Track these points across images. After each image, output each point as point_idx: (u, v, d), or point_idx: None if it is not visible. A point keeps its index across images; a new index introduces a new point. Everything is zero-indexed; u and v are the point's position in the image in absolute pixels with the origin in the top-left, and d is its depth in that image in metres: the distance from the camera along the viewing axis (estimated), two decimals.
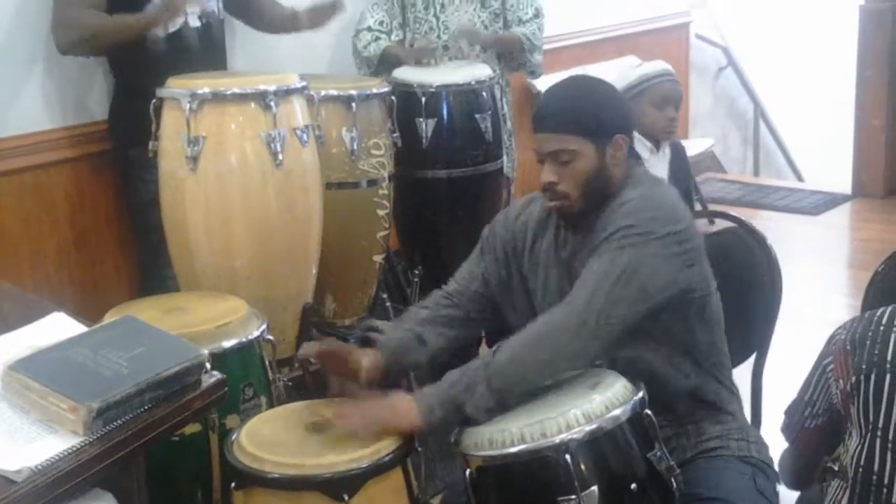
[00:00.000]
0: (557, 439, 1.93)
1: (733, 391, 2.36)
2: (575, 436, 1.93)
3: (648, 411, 2.02)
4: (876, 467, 1.91)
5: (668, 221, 2.16)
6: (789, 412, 2.19)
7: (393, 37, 4.01)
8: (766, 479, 2.24)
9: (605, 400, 2.00)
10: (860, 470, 1.94)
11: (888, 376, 1.89)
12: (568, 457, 1.91)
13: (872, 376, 1.90)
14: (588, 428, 1.95)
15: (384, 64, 3.97)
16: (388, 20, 4.02)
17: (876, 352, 1.91)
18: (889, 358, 1.90)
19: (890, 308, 1.99)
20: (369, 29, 4.01)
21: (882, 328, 1.94)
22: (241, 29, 3.75)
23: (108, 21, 3.18)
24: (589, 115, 2.23)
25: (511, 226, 2.42)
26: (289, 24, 3.68)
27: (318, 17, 3.65)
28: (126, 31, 3.20)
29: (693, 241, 2.20)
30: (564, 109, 2.24)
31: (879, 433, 1.91)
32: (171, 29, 3.26)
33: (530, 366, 2.10)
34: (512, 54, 4.06)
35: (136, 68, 3.30)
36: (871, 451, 1.92)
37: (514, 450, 1.95)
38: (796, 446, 2.21)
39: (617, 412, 1.98)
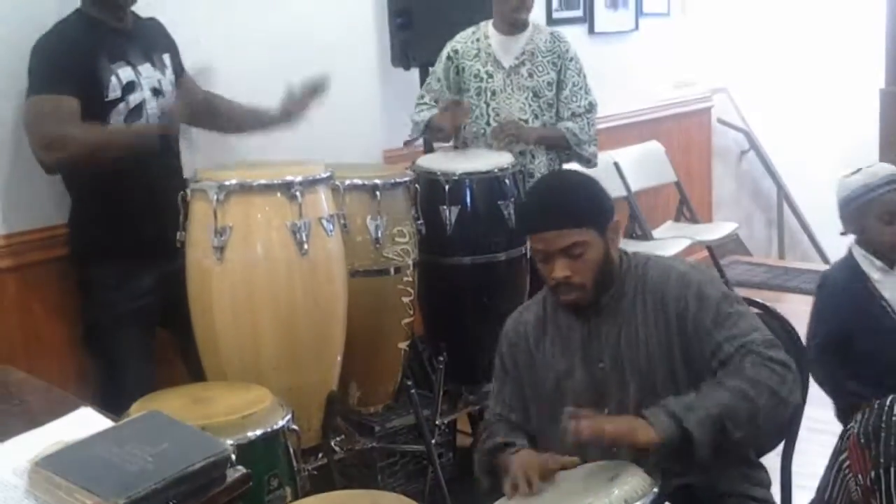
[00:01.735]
0: None
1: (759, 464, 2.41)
2: None
3: (655, 490, 2.03)
4: None
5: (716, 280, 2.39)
6: None
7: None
8: None
9: (625, 494, 1.99)
10: None
11: None
12: None
13: (892, 469, 1.88)
14: None
15: (428, 131, 4.05)
16: (438, 98, 4.09)
17: (892, 443, 1.88)
18: None
19: None
20: (425, 102, 4.10)
21: (894, 419, 1.91)
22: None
23: (105, 135, 3.10)
24: (589, 204, 2.34)
25: (511, 342, 2.53)
26: (253, 121, 3.52)
27: (295, 108, 3.48)
28: (127, 143, 3.11)
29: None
30: (565, 204, 2.33)
31: None
32: (132, 104, 3.16)
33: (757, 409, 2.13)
34: (561, 148, 4.09)
35: (98, 179, 3.14)
36: None
37: None
38: None
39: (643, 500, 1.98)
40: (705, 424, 2.08)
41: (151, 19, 3.38)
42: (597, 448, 2.20)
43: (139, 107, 3.17)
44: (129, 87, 3.15)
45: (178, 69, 3.40)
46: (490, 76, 4.04)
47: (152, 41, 3.31)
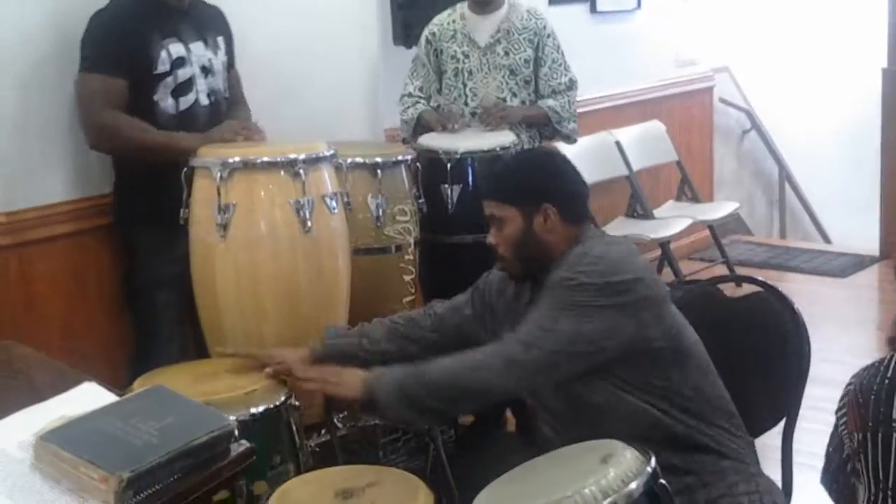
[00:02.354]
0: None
1: (737, 435, 2.38)
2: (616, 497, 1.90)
3: (663, 480, 1.99)
4: None
5: (607, 273, 2.24)
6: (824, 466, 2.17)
7: (432, 102, 4.07)
8: None
9: (621, 474, 1.97)
10: None
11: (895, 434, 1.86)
12: None
13: (880, 434, 1.87)
14: (627, 489, 1.91)
15: (419, 128, 4.03)
16: (426, 86, 4.08)
17: (882, 409, 1.88)
18: (894, 416, 1.87)
19: None
20: (410, 95, 4.08)
21: (887, 381, 1.90)
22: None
23: (153, 139, 3.18)
24: (512, 184, 2.42)
25: (484, 285, 2.62)
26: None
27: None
28: (170, 153, 3.16)
29: (638, 293, 2.25)
30: (493, 178, 2.52)
31: (890, 492, 1.88)
32: (183, 106, 3.28)
33: (463, 392, 2.27)
34: (542, 126, 4.09)
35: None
36: None
37: None
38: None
39: (633, 485, 1.94)
40: (391, 387, 2.27)
41: (213, 7, 3.45)
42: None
43: (188, 82, 3.27)
44: (178, 62, 3.24)
45: (231, 58, 3.47)
46: (466, 56, 4.03)
47: (208, 23, 3.39)
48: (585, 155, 5.57)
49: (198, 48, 3.30)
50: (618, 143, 5.87)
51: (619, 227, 5.54)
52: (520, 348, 2.22)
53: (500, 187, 2.43)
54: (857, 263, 6.44)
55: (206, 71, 3.32)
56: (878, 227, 6.53)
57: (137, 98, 3.19)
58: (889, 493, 1.88)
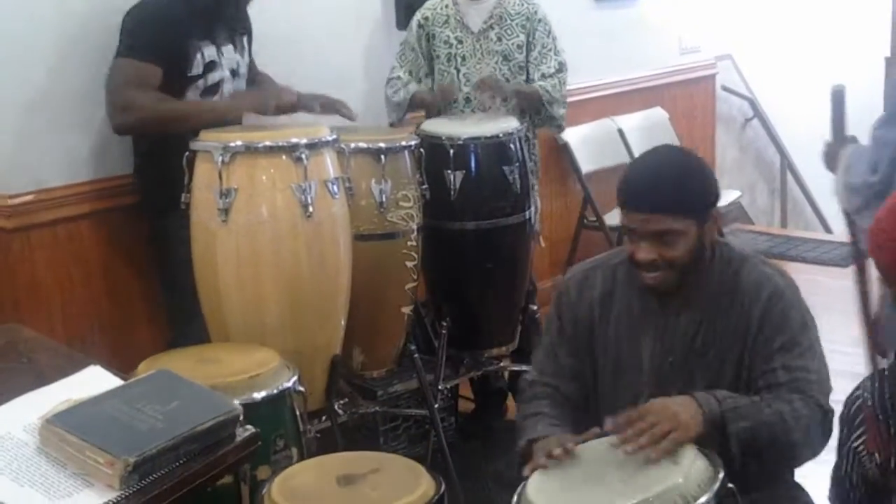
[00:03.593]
0: None
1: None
2: None
3: (732, 485, 1.98)
4: None
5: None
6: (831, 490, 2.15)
7: (411, 87, 4.06)
8: None
9: (698, 479, 1.95)
10: None
11: None
12: None
13: None
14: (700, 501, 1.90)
15: (413, 109, 4.03)
16: (415, 70, 4.08)
17: None
18: None
19: None
20: (399, 78, 4.06)
21: None
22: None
23: (180, 108, 3.21)
24: (699, 194, 2.25)
25: (574, 303, 2.43)
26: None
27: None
28: (199, 120, 3.18)
29: None
30: (671, 189, 2.22)
31: None
32: (209, 82, 3.31)
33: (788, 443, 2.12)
34: (534, 107, 4.07)
35: (165, 142, 3.27)
36: None
37: None
38: None
39: (714, 488, 1.93)
40: (741, 436, 2.07)
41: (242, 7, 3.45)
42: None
43: (216, 85, 3.31)
44: (210, 66, 3.29)
45: (250, 54, 3.51)
46: (459, 42, 4.02)
47: (238, 24, 3.42)
48: (587, 142, 5.58)
49: (228, 51, 3.35)
50: (620, 131, 5.85)
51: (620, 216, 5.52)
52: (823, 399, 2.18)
53: (680, 199, 2.22)
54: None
55: (234, 74, 3.38)
56: None
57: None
58: None
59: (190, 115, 3.21)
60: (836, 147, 3.30)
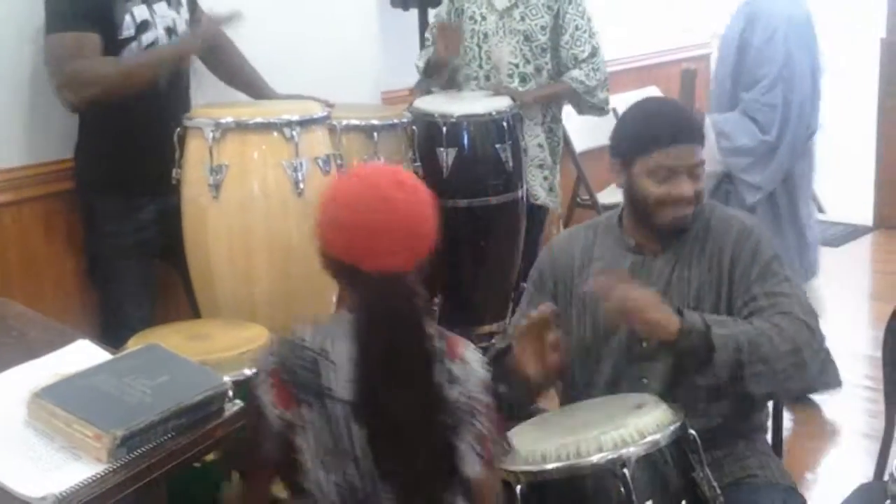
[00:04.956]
0: (617, 454, 1.95)
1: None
2: (633, 449, 1.96)
3: (692, 432, 2.04)
4: None
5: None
6: None
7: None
8: (796, 498, 2.30)
9: (655, 419, 2.03)
10: None
11: None
12: (626, 470, 1.93)
13: None
14: (650, 438, 1.98)
15: (430, 70, 4.01)
16: None
17: None
18: None
19: None
20: (427, 48, 4.06)
21: None
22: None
23: (126, 65, 3.07)
24: (700, 126, 2.36)
25: (556, 258, 2.47)
26: (247, 88, 3.52)
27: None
28: (147, 70, 3.08)
29: None
30: (686, 121, 2.32)
31: None
32: (144, 43, 3.14)
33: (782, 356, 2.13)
34: (571, 102, 4.06)
35: (106, 113, 3.10)
36: None
37: (568, 463, 1.97)
38: None
39: (670, 429, 2.01)
40: (728, 343, 2.09)
41: None
42: (614, 316, 2.19)
43: (152, 46, 3.15)
44: (142, 26, 3.13)
45: (193, 4, 3.37)
46: (483, 18, 3.98)
47: None
48: (581, 121, 5.54)
49: (161, 8, 3.19)
50: (614, 110, 5.82)
51: (614, 195, 5.52)
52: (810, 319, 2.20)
53: (699, 129, 2.34)
54: (851, 233, 6.45)
55: (170, 32, 3.21)
56: (873, 196, 6.54)
57: None
58: None
59: (136, 71, 3.06)
60: None
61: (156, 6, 3.17)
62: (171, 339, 2.59)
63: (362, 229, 1.86)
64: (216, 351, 2.58)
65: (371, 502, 1.78)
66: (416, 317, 1.84)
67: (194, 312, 3.26)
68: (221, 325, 2.88)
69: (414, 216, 1.91)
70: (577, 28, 3.96)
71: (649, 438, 1.99)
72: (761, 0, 3.90)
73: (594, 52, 3.99)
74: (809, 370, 2.19)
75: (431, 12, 4.26)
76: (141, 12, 3.12)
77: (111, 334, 2.89)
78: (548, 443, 2.03)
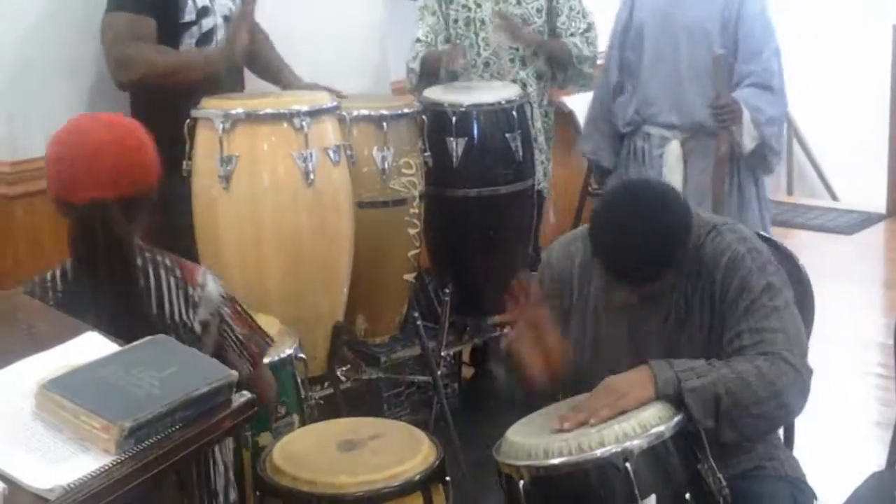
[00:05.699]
0: (620, 447, 1.95)
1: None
2: (636, 442, 1.95)
3: (698, 428, 2.04)
4: None
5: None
6: None
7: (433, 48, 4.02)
8: (804, 495, 2.28)
9: (658, 411, 2.03)
10: None
11: None
12: (628, 465, 1.93)
13: None
14: (653, 430, 1.98)
15: (426, 74, 3.99)
16: (434, 35, 4.03)
17: None
18: None
19: None
20: (417, 40, 4.04)
21: None
22: None
23: (182, 58, 3.19)
24: (679, 246, 2.21)
25: (556, 275, 2.43)
26: (275, 78, 3.57)
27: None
28: (200, 66, 3.18)
29: None
30: (658, 259, 2.19)
31: None
32: (204, 29, 3.25)
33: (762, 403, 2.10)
34: (562, 64, 4.05)
35: (163, 97, 3.17)
36: None
37: (571, 458, 1.97)
38: None
39: (674, 420, 2.01)
40: (701, 395, 2.05)
41: None
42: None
43: (211, 31, 3.25)
44: (203, 12, 3.23)
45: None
46: (478, 5, 3.99)
47: None
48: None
49: None
50: None
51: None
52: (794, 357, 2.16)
53: (666, 262, 2.20)
54: (864, 221, 6.44)
55: (226, 20, 3.30)
56: (886, 184, 6.52)
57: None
58: None
59: (184, 64, 3.18)
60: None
61: None
62: None
63: (60, 161, 2.03)
64: None
65: None
66: (118, 244, 2.02)
67: None
68: None
69: (105, 148, 2.01)
70: (571, 8, 4.04)
71: (653, 431, 1.98)
72: None
73: (589, 27, 4.05)
74: (793, 411, 2.19)
75: (408, 4, 4.23)
76: None
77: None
78: (550, 437, 2.03)
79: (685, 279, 2.27)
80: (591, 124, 4.13)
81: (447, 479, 2.26)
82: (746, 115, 3.68)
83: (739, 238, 2.28)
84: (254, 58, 3.51)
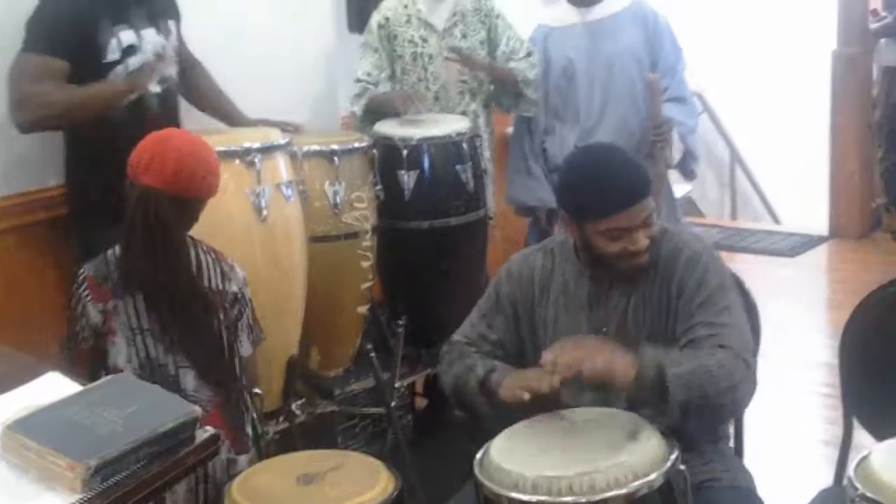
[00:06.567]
0: (606, 496, 1.95)
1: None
2: (623, 490, 1.95)
3: (682, 467, 2.06)
4: None
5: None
6: None
7: (380, 88, 4.02)
8: (756, 502, 2.35)
9: (651, 456, 2.03)
10: None
11: None
12: None
13: None
14: (636, 483, 1.97)
15: (371, 115, 3.99)
16: (377, 72, 4.03)
17: None
18: None
19: None
20: (358, 80, 4.05)
21: None
22: None
23: (76, 95, 3.06)
24: (646, 173, 2.37)
25: (516, 280, 2.50)
26: (221, 117, 3.56)
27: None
28: (97, 103, 3.08)
29: None
30: (635, 179, 2.32)
31: None
32: (131, 67, 3.15)
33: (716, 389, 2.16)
34: (508, 87, 4.11)
35: (95, 135, 3.11)
36: None
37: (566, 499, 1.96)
38: None
39: (664, 468, 2.01)
40: (681, 383, 2.12)
41: None
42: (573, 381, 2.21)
43: (139, 70, 3.14)
44: (129, 50, 3.13)
45: (180, 40, 3.38)
46: (424, 41, 4.03)
47: (159, 6, 3.29)
48: None
49: (150, 35, 3.20)
50: None
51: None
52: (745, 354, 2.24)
53: (645, 181, 2.34)
54: (807, 243, 6.56)
55: (160, 58, 3.21)
56: (827, 207, 6.65)
57: None
58: None
59: (78, 100, 3.05)
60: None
61: (143, 32, 3.18)
62: None
63: (141, 148, 2.53)
64: None
65: (165, 372, 2.49)
66: (164, 228, 2.48)
67: None
68: None
69: (177, 150, 2.50)
70: (509, 38, 4.10)
71: (644, 481, 1.98)
72: (640, 3, 4.14)
73: (530, 53, 4.10)
74: (743, 405, 2.28)
75: (359, 39, 4.26)
76: (128, 37, 3.13)
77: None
78: (541, 465, 2.02)
79: (642, 279, 2.36)
80: (521, 175, 4.19)
81: None
82: (674, 131, 3.89)
83: (694, 238, 2.43)
84: (189, 89, 3.49)
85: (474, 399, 2.39)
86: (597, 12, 4.07)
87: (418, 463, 3.59)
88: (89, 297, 2.51)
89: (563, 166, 2.63)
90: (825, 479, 2.69)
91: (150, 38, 3.21)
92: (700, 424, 2.25)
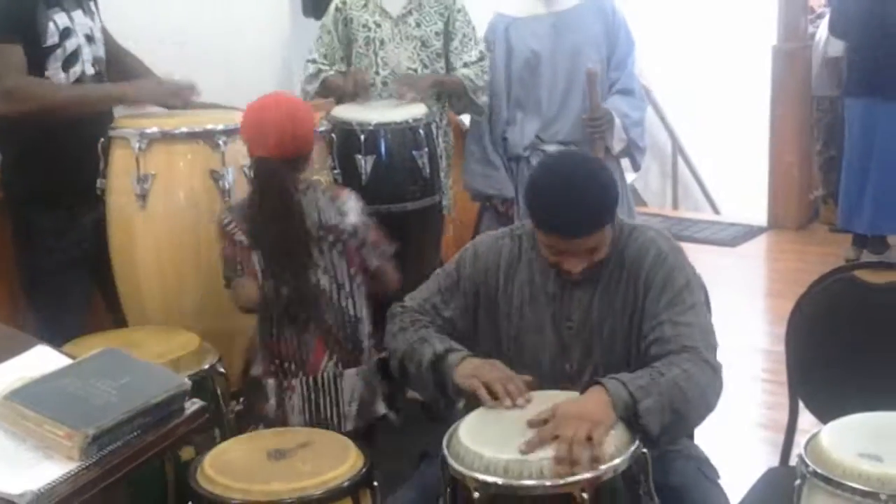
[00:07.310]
0: (571, 480, 1.99)
1: None
2: (591, 475, 2.01)
3: (645, 450, 2.12)
4: None
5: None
6: None
7: (335, 69, 4.06)
8: (711, 470, 2.42)
9: (616, 441, 2.08)
10: None
11: None
12: (585, 494, 1.99)
13: None
14: (610, 464, 2.03)
15: (325, 94, 4.05)
16: (330, 54, 4.08)
17: None
18: None
19: None
20: (314, 61, 4.08)
21: None
22: None
23: (77, 98, 3.13)
24: (612, 202, 2.36)
25: (481, 262, 2.52)
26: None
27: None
28: (94, 104, 3.16)
29: None
30: (588, 213, 2.30)
31: None
32: (73, 79, 3.17)
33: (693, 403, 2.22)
34: (456, 95, 4.16)
35: (32, 120, 3.09)
36: None
37: (531, 482, 2.00)
38: None
39: (627, 453, 2.07)
40: (655, 409, 2.15)
41: None
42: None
43: (75, 53, 3.16)
44: (65, 33, 3.14)
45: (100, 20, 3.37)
46: (378, 26, 4.05)
47: None
48: None
49: (79, 16, 3.20)
50: None
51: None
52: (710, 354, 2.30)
53: (602, 214, 2.31)
54: (747, 233, 6.70)
55: (89, 39, 3.23)
56: (767, 198, 6.80)
57: (29, 73, 3.08)
58: None
59: (88, 100, 3.15)
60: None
61: (73, 14, 3.18)
62: (103, 345, 2.61)
63: (243, 126, 2.84)
64: (149, 358, 2.56)
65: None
66: (280, 189, 2.76)
67: (116, 323, 3.28)
68: (152, 333, 2.92)
69: (271, 123, 2.76)
70: (464, 35, 4.11)
71: (609, 465, 2.03)
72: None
73: (481, 57, 4.12)
74: (712, 409, 2.31)
75: (316, 23, 4.28)
76: (62, 20, 3.13)
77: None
78: (508, 448, 2.05)
79: (608, 276, 2.39)
80: (479, 164, 4.26)
81: (375, 483, 2.34)
82: (617, 122, 4.01)
83: (661, 237, 2.45)
84: (119, 76, 3.43)
85: (421, 373, 2.42)
86: (562, 3, 4.12)
87: (386, 441, 3.63)
88: (237, 229, 2.78)
89: (537, 166, 2.66)
90: (766, 460, 2.78)
91: (80, 20, 3.21)
92: (676, 435, 2.30)
